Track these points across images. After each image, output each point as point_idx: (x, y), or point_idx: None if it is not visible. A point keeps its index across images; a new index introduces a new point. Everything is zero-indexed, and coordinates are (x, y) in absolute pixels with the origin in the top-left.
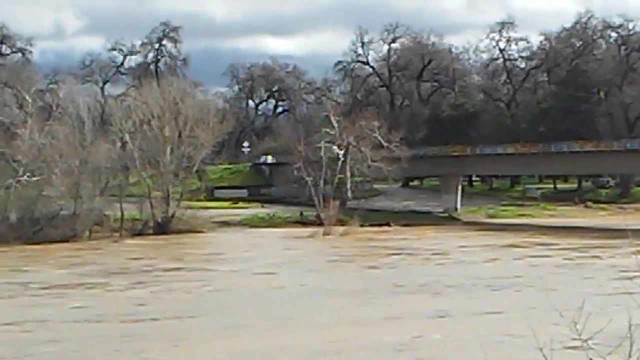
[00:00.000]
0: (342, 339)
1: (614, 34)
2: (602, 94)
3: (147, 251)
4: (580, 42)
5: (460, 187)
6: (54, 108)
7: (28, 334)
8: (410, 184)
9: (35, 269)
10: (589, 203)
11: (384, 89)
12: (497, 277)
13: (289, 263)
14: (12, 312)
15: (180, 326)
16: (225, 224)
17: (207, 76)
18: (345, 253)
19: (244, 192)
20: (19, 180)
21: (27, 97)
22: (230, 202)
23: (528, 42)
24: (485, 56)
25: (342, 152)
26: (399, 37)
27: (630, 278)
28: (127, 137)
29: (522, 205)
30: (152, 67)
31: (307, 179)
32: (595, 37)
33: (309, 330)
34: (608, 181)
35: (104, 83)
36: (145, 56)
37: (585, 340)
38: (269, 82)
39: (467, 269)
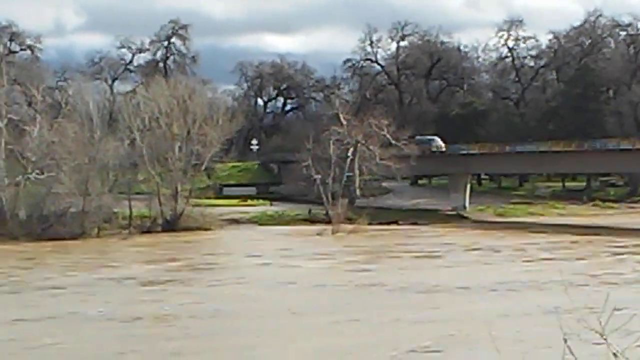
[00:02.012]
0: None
1: (622, 33)
2: (610, 92)
3: (183, 248)
4: (589, 41)
5: (468, 186)
6: (63, 105)
7: (159, 328)
8: (419, 182)
9: (115, 263)
10: (597, 201)
11: (393, 87)
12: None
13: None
14: (130, 307)
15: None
16: (234, 221)
17: (216, 74)
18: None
19: (252, 190)
20: (28, 177)
21: (37, 95)
22: (239, 199)
23: (537, 41)
24: (494, 55)
25: (351, 150)
26: (408, 35)
27: None
28: (135, 135)
29: (530, 203)
30: (161, 64)
31: (316, 177)
32: (604, 36)
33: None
34: (616, 180)
35: (113, 80)
36: (154, 54)
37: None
38: (277, 80)
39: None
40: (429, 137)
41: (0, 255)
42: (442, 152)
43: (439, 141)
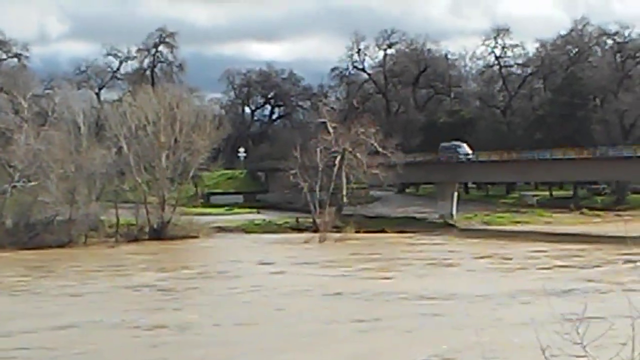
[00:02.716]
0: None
1: (609, 41)
2: (597, 101)
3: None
4: (576, 49)
5: (456, 194)
6: (50, 113)
7: (184, 336)
8: (406, 190)
9: (126, 272)
10: (584, 210)
11: (380, 95)
12: None
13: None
14: (152, 314)
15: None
16: (221, 229)
17: (202, 82)
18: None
19: (239, 198)
20: (14, 186)
21: (23, 103)
22: (226, 207)
23: (524, 49)
24: (481, 63)
25: (338, 159)
26: (395, 44)
27: None
28: (122, 143)
29: (517, 212)
30: (148, 72)
31: (303, 185)
32: (591, 44)
33: None
34: (604, 188)
35: (100, 89)
36: (142, 62)
37: None
38: (265, 88)
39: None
40: (455, 143)
41: (5, 263)
42: (469, 159)
43: (465, 148)
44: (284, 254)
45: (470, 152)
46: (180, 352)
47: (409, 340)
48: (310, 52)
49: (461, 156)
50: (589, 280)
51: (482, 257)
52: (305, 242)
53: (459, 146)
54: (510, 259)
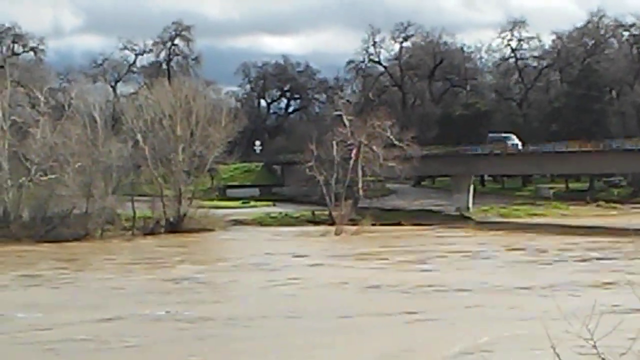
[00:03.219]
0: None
1: (626, 33)
2: (614, 93)
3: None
4: (593, 42)
5: (472, 187)
6: (67, 107)
7: (232, 329)
8: (422, 183)
9: (162, 264)
10: (601, 202)
11: (396, 88)
12: None
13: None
14: (195, 307)
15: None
16: (237, 222)
17: (217, 75)
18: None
19: (255, 191)
20: (31, 180)
21: (40, 96)
22: (242, 201)
23: (540, 42)
24: (497, 55)
25: (354, 151)
26: (410, 36)
27: None
28: (139, 136)
29: (533, 204)
30: (164, 66)
31: (319, 178)
32: (607, 37)
33: None
34: (620, 180)
35: (116, 82)
36: (158, 55)
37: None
38: (280, 81)
39: None
40: (504, 134)
41: (38, 256)
42: (519, 151)
43: (515, 139)
44: (313, 247)
45: (519, 143)
46: (232, 345)
47: (452, 331)
48: (323, 45)
49: (511, 147)
50: (630, 273)
51: (513, 249)
52: (322, 235)
53: (508, 137)
54: (545, 251)
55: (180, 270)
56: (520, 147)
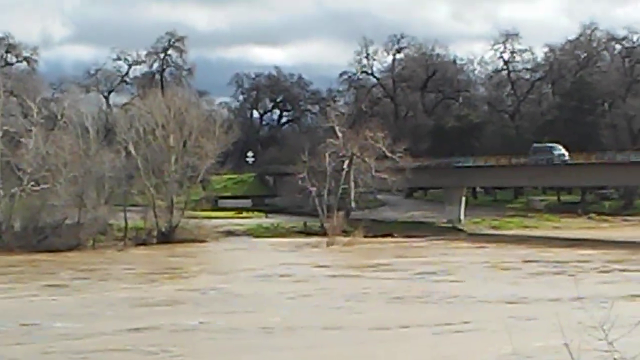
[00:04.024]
0: None
1: (618, 46)
2: (606, 105)
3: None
4: (585, 54)
5: (463, 198)
6: (59, 117)
7: (266, 339)
8: (414, 194)
9: (182, 275)
10: (592, 215)
11: (388, 99)
12: None
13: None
14: (228, 317)
15: None
16: (230, 233)
17: (208, 86)
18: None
19: (248, 202)
20: (23, 189)
21: (32, 106)
22: (234, 211)
23: (532, 54)
24: (489, 67)
25: (346, 163)
26: (403, 48)
27: None
28: (131, 147)
29: (525, 216)
30: (157, 76)
31: (311, 189)
32: (599, 49)
33: None
34: (611, 193)
35: (109, 92)
36: (151, 66)
37: None
38: (273, 92)
39: None
40: (549, 145)
41: (53, 265)
42: (564, 161)
43: (561, 149)
44: (324, 258)
45: (565, 153)
46: (272, 355)
47: (488, 341)
48: (312, 57)
49: (557, 158)
50: None
51: (530, 261)
52: (314, 246)
53: (554, 147)
54: (566, 262)
55: (202, 280)
56: (566, 157)
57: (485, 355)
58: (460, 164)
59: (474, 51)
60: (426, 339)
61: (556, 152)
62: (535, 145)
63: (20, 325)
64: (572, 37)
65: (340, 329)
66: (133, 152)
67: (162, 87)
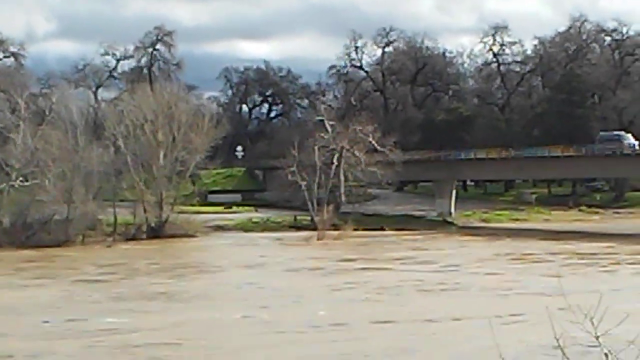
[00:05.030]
0: None
1: (608, 38)
2: (596, 98)
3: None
4: (575, 47)
5: (454, 192)
6: (47, 112)
7: (320, 333)
8: (404, 188)
9: (209, 267)
10: (583, 207)
11: (378, 93)
12: None
13: None
14: (269, 311)
15: None
16: (219, 228)
17: (195, 80)
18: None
19: (237, 197)
20: (12, 185)
21: (20, 102)
22: (224, 206)
23: (522, 46)
24: (479, 60)
25: (336, 157)
26: (393, 41)
27: None
28: (120, 142)
29: (516, 209)
30: (145, 71)
31: (301, 183)
32: (589, 42)
33: None
34: (602, 185)
35: (97, 87)
36: (139, 60)
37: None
38: (262, 86)
39: None
40: (618, 133)
41: (66, 261)
42: (634, 151)
43: (630, 138)
44: (331, 251)
45: (636, 142)
46: (330, 346)
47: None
48: (298, 51)
49: (627, 147)
50: None
51: (555, 253)
52: (305, 240)
53: (623, 136)
54: (594, 254)
55: (230, 275)
56: (637, 146)
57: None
58: (451, 157)
59: (460, 44)
60: (475, 330)
61: (626, 142)
62: (602, 133)
63: (66, 321)
64: (561, 29)
65: (388, 322)
66: (122, 147)
67: (151, 82)
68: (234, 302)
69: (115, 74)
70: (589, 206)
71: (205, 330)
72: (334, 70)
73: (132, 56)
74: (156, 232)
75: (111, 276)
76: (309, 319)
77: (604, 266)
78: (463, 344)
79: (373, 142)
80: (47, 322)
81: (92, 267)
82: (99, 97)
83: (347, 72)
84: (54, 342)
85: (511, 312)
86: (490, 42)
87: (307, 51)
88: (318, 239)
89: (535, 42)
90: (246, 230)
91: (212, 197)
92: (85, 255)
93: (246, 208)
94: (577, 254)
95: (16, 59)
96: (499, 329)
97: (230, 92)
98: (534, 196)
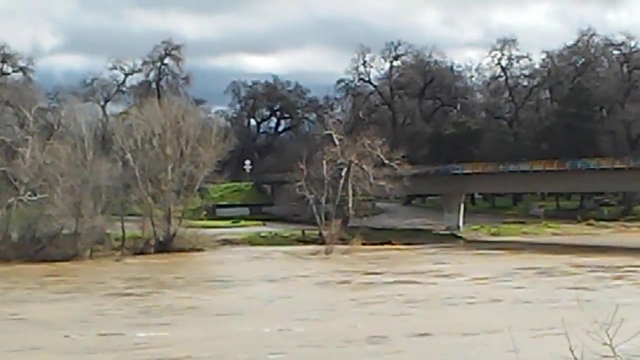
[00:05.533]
0: None
1: (616, 52)
2: (604, 111)
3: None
4: (583, 60)
5: (462, 205)
6: (56, 127)
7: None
8: (412, 202)
9: (233, 282)
10: (592, 221)
11: (386, 107)
12: None
13: None
14: (303, 325)
15: None
16: (227, 242)
17: (203, 94)
18: None
19: (245, 211)
20: (20, 199)
21: (29, 116)
22: (232, 220)
23: (530, 60)
24: (487, 74)
25: (344, 170)
26: (401, 55)
27: None
28: (128, 156)
29: (524, 223)
30: (153, 85)
31: (309, 197)
32: (597, 55)
33: None
34: (610, 199)
35: (106, 102)
36: (147, 74)
37: None
38: (270, 100)
39: None
40: None
41: (89, 275)
42: None
43: None
44: (346, 266)
45: None
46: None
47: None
48: (304, 64)
49: None
50: None
51: (578, 266)
52: (312, 254)
53: None
54: (619, 267)
55: (257, 289)
56: None
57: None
58: (457, 171)
59: (465, 57)
60: (512, 342)
61: None
62: None
63: (98, 335)
64: (569, 42)
65: (426, 334)
66: (130, 161)
67: (159, 96)
68: (267, 315)
69: (123, 88)
70: (598, 220)
71: (242, 344)
72: (342, 84)
73: (140, 70)
74: (164, 247)
75: (139, 289)
76: (346, 332)
77: (633, 280)
78: (503, 355)
79: (381, 156)
80: (81, 335)
81: (118, 281)
82: (107, 112)
83: (355, 86)
84: (90, 356)
85: (547, 324)
86: (499, 55)
87: (313, 65)
88: (326, 253)
89: (544, 55)
90: (254, 245)
91: (220, 211)
92: (106, 269)
93: (254, 222)
94: (602, 267)
95: (24, 73)
96: (536, 342)
97: (238, 106)
98: (542, 210)
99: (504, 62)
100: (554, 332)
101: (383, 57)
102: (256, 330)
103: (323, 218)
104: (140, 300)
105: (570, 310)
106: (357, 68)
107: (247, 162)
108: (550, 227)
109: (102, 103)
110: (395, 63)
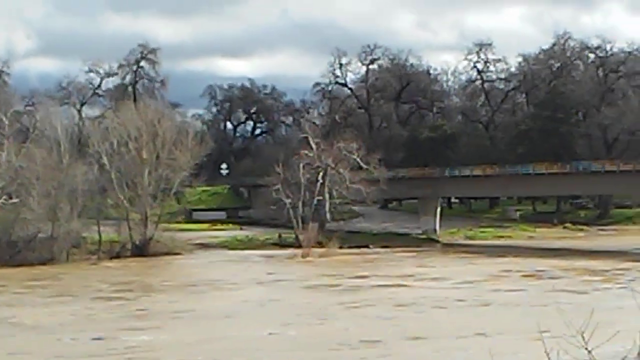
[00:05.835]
0: None
1: (591, 56)
2: (580, 115)
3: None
4: (559, 64)
5: (439, 209)
6: (31, 130)
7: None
8: (389, 205)
9: (228, 286)
10: (568, 224)
11: (362, 110)
12: None
13: None
14: (305, 329)
15: None
16: (204, 246)
17: (178, 98)
18: None
19: (222, 214)
20: None
21: (4, 119)
22: (209, 224)
23: (506, 64)
24: (463, 78)
25: (321, 174)
26: (377, 59)
27: None
28: (104, 159)
29: (500, 226)
30: (129, 88)
31: (286, 200)
32: (573, 59)
33: None
34: (587, 202)
35: (81, 105)
36: (123, 78)
37: None
38: (247, 103)
39: None
40: None
41: (74, 279)
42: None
43: None
44: (328, 270)
45: None
46: None
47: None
48: (280, 68)
49: None
50: None
51: (567, 269)
52: (288, 258)
53: None
54: (607, 270)
55: (247, 292)
56: None
57: None
58: (435, 174)
59: (441, 60)
60: (506, 345)
61: None
62: None
63: (91, 339)
64: (545, 46)
65: (420, 338)
66: (106, 164)
67: (135, 99)
68: (258, 318)
69: (99, 92)
70: (574, 223)
71: (234, 348)
72: (318, 88)
73: (116, 74)
74: (141, 250)
75: (128, 293)
76: (338, 335)
77: (620, 283)
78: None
79: (357, 159)
80: (74, 339)
81: (104, 285)
82: (83, 115)
83: (332, 89)
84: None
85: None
86: (475, 59)
87: (290, 68)
88: (302, 257)
89: (519, 59)
90: (231, 248)
91: (196, 215)
92: (88, 272)
93: (231, 226)
94: (588, 270)
95: (0, 76)
96: (530, 345)
97: (214, 110)
98: (518, 213)
99: (480, 66)
100: (548, 335)
101: (359, 61)
102: (248, 333)
103: (300, 222)
104: (130, 304)
105: (558, 313)
106: (333, 72)
107: (224, 165)
108: (525, 230)
109: (77, 106)
110: (371, 67)
